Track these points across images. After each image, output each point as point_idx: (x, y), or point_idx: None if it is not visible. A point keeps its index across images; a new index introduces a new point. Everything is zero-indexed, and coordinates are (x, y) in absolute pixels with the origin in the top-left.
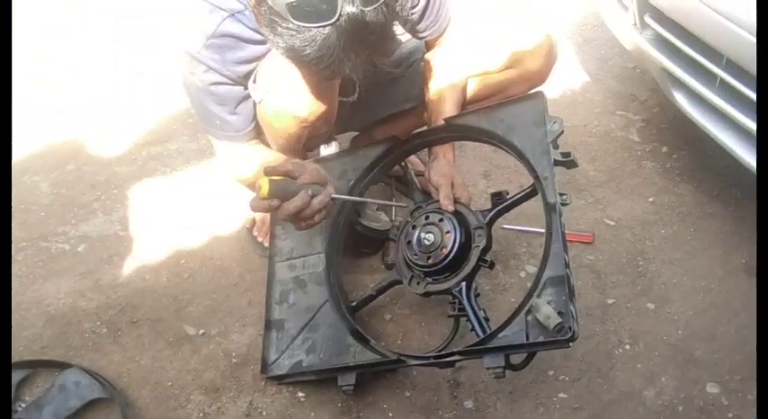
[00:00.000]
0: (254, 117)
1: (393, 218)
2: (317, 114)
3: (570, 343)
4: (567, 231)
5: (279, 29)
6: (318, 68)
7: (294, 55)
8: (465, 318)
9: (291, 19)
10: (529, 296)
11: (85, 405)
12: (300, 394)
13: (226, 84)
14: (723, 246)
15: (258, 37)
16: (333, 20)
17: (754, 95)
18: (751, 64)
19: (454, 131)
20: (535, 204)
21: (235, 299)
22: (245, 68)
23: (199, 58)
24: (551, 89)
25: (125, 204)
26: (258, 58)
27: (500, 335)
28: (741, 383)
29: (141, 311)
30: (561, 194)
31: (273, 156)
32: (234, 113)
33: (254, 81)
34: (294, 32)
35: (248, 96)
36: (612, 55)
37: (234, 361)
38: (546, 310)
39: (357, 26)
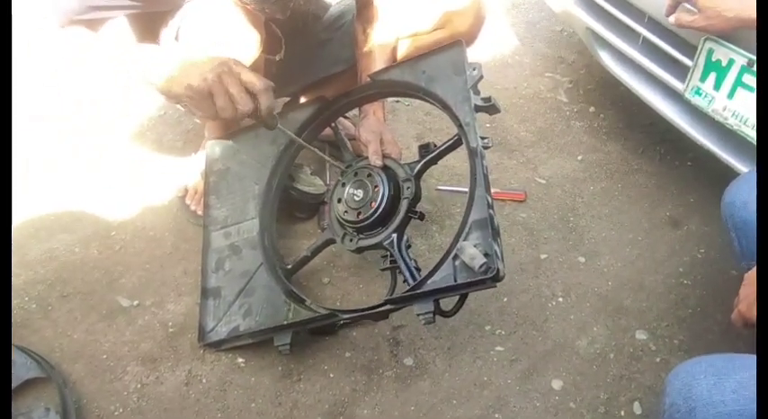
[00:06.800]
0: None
1: (328, 181)
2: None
3: (496, 283)
4: (499, 190)
5: None
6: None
7: None
8: (399, 271)
9: None
10: (456, 240)
11: (22, 385)
12: (240, 360)
13: None
14: (648, 200)
15: None
16: None
17: (674, 52)
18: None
19: (380, 87)
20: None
21: (169, 269)
22: None
23: None
24: (482, 52)
25: (51, 178)
26: None
27: (429, 282)
28: (667, 329)
29: (72, 285)
30: (483, 138)
31: None
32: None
33: (177, 38)
34: None
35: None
36: (540, 18)
37: (170, 330)
38: (471, 252)
39: None
